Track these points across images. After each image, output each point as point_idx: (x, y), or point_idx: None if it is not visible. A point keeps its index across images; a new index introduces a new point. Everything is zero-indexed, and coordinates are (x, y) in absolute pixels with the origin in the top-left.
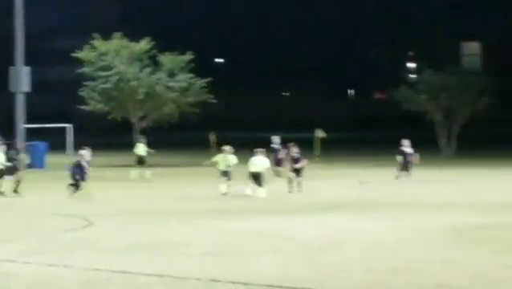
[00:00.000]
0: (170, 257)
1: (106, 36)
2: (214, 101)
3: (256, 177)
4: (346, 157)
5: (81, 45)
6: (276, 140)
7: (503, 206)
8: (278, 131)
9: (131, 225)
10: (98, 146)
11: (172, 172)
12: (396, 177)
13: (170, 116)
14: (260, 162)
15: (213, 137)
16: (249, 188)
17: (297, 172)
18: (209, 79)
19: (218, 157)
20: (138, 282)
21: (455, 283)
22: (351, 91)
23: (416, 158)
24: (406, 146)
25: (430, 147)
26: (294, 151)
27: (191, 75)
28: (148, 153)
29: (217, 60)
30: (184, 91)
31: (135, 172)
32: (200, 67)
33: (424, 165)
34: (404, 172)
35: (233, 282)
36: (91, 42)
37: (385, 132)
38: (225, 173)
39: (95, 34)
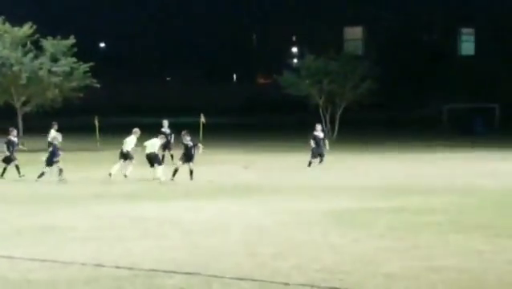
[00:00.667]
0: (54, 242)
1: None
2: (98, 86)
3: (150, 159)
4: (230, 142)
5: None
6: (165, 123)
7: (381, 191)
8: (163, 116)
9: (14, 210)
10: None
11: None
12: (309, 164)
13: (54, 101)
14: (151, 144)
15: (96, 122)
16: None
17: (189, 159)
18: (91, 64)
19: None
20: (21, 267)
21: (337, 267)
22: (234, 76)
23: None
24: (318, 131)
25: (312, 131)
26: (187, 139)
27: (74, 59)
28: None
29: (101, 45)
30: (68, 75)
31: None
32: (82, 52)
33: (304, 151)
34: (315, 160)
35: (117, 267)
36: None
37: (270, 117)
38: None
39: None
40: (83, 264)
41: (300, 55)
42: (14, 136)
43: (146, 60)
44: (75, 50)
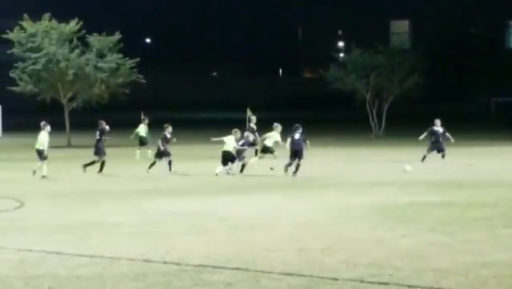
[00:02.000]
0: (101, 237)
1: (35, 17)
2: (144, 81)
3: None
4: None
5: (10, 26)
6: (254, 119)
7: (431, 185)
8: (212, 111)
9: (62, 206)
10: (32, 127)
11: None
12: (423, 159)
13: (100, 97)
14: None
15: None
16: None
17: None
18: (137, 60)
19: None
20: (71, 263)
21: (386, 262)
22: (280, 71)
23: None
24: (438, 125)
25: (361, 126)
26: (169, 131)
27: (120, 55)
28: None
29: (146, 40)
30: (114, 71)
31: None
32: (128, 48)
33: (354, 144)
34: (430, 154)
35: (164, 262)
36: (21, 23)
37: (316, 112)
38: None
39: (25, 15)
40: (130, 260)
41: (346, 49)
42: (169, 133)
43: (191, 55)
44: (121, 45)
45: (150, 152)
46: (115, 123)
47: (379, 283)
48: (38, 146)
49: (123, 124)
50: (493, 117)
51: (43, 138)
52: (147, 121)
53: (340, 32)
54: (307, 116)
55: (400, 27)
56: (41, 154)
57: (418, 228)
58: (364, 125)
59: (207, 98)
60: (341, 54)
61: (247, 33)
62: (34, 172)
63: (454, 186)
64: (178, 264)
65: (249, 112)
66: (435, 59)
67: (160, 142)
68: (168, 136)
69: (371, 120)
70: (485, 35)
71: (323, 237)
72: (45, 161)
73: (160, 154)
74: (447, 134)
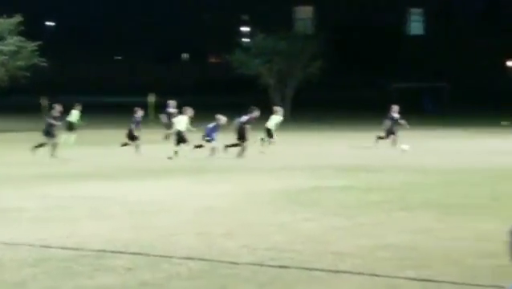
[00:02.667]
0: (1, 223)
1: None
2: (45, 64)
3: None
4: None
5: None
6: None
7: (335, 170)
8: (112, 94)
9: None
10: None
11: (6, 137)
12: (378, 139)
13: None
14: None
15: (44, 101)
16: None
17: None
18: (39, 43)
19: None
20: None
21: (287, 246)
22: (185, 55)
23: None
24: (395, 112)
25: (265, 111)
26: (139, 115)
27: (21, 38)
28: None
29: (47, 23)
30: (14, 54)
31: None
32: (30, 31)
33: (257, 130)
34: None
35: (64, 248)
36: None
37: (222, 97)
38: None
39: None
40: (30, 245)
41: (251, 35)
42: (139, 117)
43: (95, 39)
44: (22, 28)
45: (73, 139)
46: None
47: (280, 267)
48: None
49: (25, 108)
50: (395, 103)
51: None
52: (80, 107)
53: (246, 17)
54: (213, 100)
55: (304, 13)
56: None
57: (320, 212)
58: (268, 110)
59: (112, 82)
60: (246, 40)
61: (154, 19)
62: None
63: (354, 170)
64: (78, 249)
65: (152, 98)
66: (338, 45)
67: (132, 126)
68: (139, 119)
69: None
70: (389, 22)
71: (226, 221)
72: None
73: (133, 137)
74: (402, 121)
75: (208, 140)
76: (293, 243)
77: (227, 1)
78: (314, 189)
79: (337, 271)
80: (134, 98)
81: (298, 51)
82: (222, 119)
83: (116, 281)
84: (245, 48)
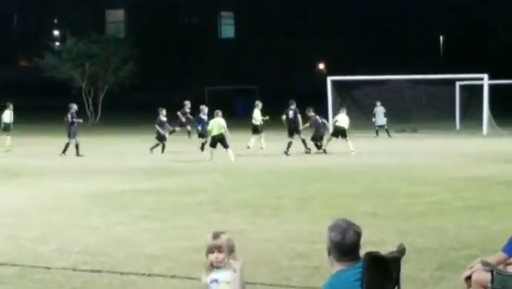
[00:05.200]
0: None
1: None
2: None
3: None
4: None
5: None
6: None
7: (144, 173)
8: None
9: None
10: None
11: None
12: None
13: None
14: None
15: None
16: None
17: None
18: None
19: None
20: None
21: (99, 250)
22: None
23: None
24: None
25: (79, 114)
26: (163, 114)
27: None
28: None
29: None
30: None
31: None
32: None
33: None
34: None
35: None
36: None
37: (30, 100)
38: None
39: None
40: None
41: (62, 38)
42: (163, 116)
43: None
44: None
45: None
46: None
47: (92, 271)
48: None
49: None
50: (207, 104)
51: None
52: (11, 106)
53: (56, 21)
54: (22, 103)
55: (116, 16)
56: None
57: (131, 215)
58: (81, 114)
59: None
60: (57, 43)
61: None
62: None
63: (166, 173)
64: None
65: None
66: (149, 48)
67: (157, 126)
68: (164, 119)
69: (87, 108)
70: (199, 25)
71: (36, 225)
72: None
73: (161, 137)
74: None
75: None
76: (104, 246)
77: (37, 3)
78: (124, 191)
79: (150, 275)
80: None
81: (110, 55)
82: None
83: None
84: (56, 52)
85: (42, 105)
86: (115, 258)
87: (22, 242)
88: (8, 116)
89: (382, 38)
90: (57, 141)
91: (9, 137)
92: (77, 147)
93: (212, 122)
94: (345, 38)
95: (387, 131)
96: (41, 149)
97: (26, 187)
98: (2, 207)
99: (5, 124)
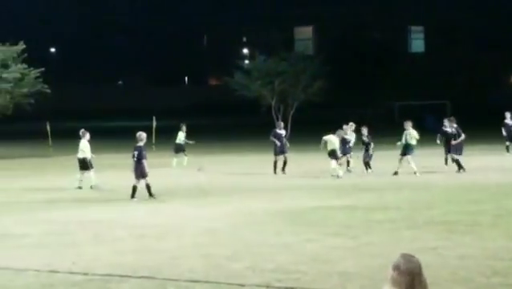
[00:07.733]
0: (6, 249)
1: None
2: (48, 91)
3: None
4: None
5: None
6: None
7: (338, 189)
8: (115, 119)
9: None
10: None
11: (9, 164)
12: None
13: (4, 108)
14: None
15: (48, 128)
16: None
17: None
18: (42, 69)
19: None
20: None
21: (292, 267)
22: (186, 79)
23: None
24: (508, 118)
25: (266, 131)
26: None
27: (24, 65)
28: None
29: (51, 50)
30: (18, 82)
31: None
32: (33, 58)
33: (259, 151)
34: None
35: (71, 273)
36: None
37: (222, 119)
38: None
39: None
40: (36, 270)
41: (251, 56)
42: (280, 129)
43: (97, 65)
44: (25, 55)
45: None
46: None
47: (286, 288)
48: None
49: (28, 134)
50: (397, 121)
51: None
52: (184, 128)
53: (245, 39)
54: (213, 122)
55: (304, 33)
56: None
57: (323, 232)
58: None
59: (114, 106)
60: (246, 62)
61: (154, 42)
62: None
63: (357, 190)
64: (85, 274)
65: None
66: (339, 65)
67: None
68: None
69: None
70: (388, 40)
71: (229, 243)
72: None
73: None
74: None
75: None
76: (297, 264)
77: (227, 23)
78: (314, 209)
79: None
80: (137, 122)
81: (299, 72)
82: None
83: None
84: (246, 70)
85: (233, 123)
86: (308, 275)
87: (216, 259)
88: (181, 137)
89: None
90: (244, 159)
91: (186, 158)
92: (285, 163)
93: None
94: None
95: None
96: (230, 167)
97: (217, 206)
98: (197, 227)
99: (176, 144)
